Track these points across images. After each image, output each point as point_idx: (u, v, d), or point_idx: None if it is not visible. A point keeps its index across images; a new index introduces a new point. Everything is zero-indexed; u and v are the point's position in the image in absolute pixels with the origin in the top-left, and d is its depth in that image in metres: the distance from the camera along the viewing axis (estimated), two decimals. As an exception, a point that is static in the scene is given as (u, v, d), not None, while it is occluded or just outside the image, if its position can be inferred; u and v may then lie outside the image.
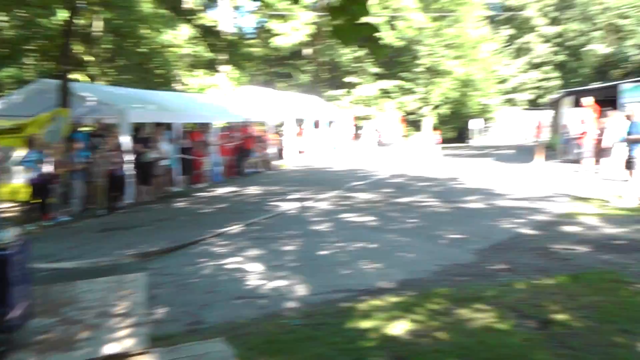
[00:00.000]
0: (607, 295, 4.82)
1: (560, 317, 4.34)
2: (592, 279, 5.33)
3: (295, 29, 30.37)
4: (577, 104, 18.21)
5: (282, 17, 30.44)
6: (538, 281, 5.36)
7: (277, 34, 30.34)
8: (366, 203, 11.04)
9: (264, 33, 33.97)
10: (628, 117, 10.69)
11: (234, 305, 4.95)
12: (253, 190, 13.63)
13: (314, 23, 30.73)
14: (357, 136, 33.80)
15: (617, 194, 10.73)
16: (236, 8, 32.53)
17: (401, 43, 33.72)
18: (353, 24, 2.70)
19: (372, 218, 9.29)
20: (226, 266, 6.31)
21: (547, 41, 49.74)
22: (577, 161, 16.87)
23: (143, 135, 12.65)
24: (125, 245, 7.50)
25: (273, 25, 30.87)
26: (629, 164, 10.12)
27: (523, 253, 6.60)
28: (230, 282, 5.66)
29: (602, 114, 15.60)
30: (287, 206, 10.76)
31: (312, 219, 9.42)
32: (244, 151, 17.33)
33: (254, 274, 5.94)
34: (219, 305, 4.96)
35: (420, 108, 40.52)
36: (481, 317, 4.37)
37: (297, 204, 10.97)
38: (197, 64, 25.53)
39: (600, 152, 15.16)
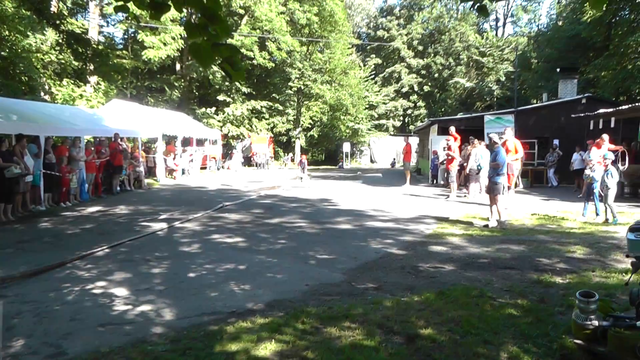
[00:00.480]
0: (471, 309, 5.03)
1: (426, 331, 4.46)
2: (457, 294, 5.52)
3: (162, 42, 29.41)
4: (444, 131, 19.65)
5: (151, 29, 29.42)
6: (405, 298, 5.49)
7: (147, 47, 29.24)
8: (236, 224, 10.98)
9: (134, 44, 32.69)
10: (489, 146, 11.39)
11: (99, 332, 4.67)
12: (122, 209, 13.12)
13: (182, 38, 30.13)
14: (227, 155, 33.74)
15: (480, 217, 11.45)
16: (104, 16, 30.99)
17: (270, 65, 34.22)
18: (212, 44, 2.56)
19: (242, 239, 9.24)
20: (92, 291, 5.99)
21: (414, 72, 53.01)
22: (445, 185, 18.07)
23: (4, 148, 11.56)
24: (-23, 270, 6.84)
25: (142, 37, 29.66)
26: (491, 189, 10.63)
27: (391, 272, 6.77)
28: (95, 308, 5.34)
29: (468, 142, 16.62)
30: (157, 227, 10.45)
31: (181, 240, 9.22)
32: (113, 168, 16.54)
33: (121, 298, 5.70)
34: (82, 333, 4.65)
35: (290, 130, 41.37)
36: (349, 334, 4.42)
37: (167, 225, 10.69)
38: (63, 73, 23.93)
39: (466, 178, 16.14)
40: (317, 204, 14.53)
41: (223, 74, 30.90)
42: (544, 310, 5.07)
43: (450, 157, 16.17)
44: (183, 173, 24.24)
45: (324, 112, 42.57)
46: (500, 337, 4.36)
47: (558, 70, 25.73)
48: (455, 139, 16.51)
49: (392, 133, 51.73)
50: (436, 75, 52.91)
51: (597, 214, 11.14)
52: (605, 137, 12.74)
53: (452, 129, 16.90)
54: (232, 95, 35.34)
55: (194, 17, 2.75)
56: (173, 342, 4.42)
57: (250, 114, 36.68)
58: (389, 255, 7.89)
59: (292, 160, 40.12)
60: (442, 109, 50.93)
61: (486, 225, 10.44)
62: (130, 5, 2.96)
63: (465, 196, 15.93)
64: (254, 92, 36.72)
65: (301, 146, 41.81)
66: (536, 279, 6.33)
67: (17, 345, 4.40)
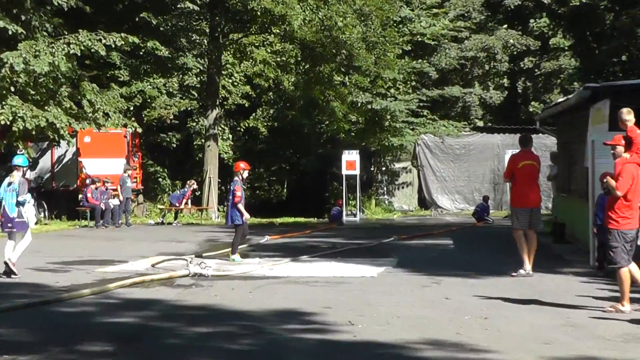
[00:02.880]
0: None
1: None
2: None
3: None
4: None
5: None
6: None
7: None
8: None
9: None
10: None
11: None
12: None
13: None
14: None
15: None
16: None
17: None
18: None
19: None
20: None
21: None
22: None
23: None
24: None
25: None
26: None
27: None
28: None
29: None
30: None
31: None
32: None
33: None
34: None
35: (194, 114, 28.52)
36: None
37: None
38: None
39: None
40: (271, 328, 8.21)
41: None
42: None
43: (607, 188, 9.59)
44: None
45: (288, 64, 27.36)
46: None
47: None
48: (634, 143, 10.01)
49: (483, 124, 34.40)
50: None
51: None
52: None
53: (627, 115, 9.75)
54: (23, 20, 22.13)
55: None
56: None
57: (78, 71, 23.06)
58: None
59: (190, 202, 26.44)
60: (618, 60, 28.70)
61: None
62: None
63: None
64: (90, 12, 23.18)
65: (222, 159, 28.53)
66: None
67: None
